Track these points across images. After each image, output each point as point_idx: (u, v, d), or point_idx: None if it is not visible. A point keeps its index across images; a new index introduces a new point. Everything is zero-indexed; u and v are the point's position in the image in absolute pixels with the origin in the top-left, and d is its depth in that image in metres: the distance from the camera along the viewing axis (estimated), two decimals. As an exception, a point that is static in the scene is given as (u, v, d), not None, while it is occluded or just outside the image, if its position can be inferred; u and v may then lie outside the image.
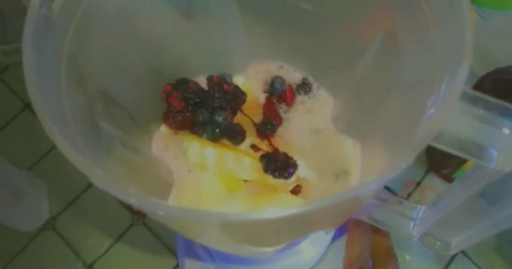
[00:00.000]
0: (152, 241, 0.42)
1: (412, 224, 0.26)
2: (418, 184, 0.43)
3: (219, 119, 0.28)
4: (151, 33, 0.27)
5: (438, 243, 0.25)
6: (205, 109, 0.29)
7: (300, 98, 0.31)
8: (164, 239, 0.42)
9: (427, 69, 0.20)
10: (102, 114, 0.23)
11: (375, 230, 0.33)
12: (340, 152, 0.29)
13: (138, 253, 0.42)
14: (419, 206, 0.26)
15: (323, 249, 0.35)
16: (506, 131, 0.17)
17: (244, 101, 0.30)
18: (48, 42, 0.19)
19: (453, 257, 0.39)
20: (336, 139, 0.30)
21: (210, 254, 0.34)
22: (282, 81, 0.31)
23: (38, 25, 0.18)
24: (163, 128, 0.30)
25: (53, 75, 0.20)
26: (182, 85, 0.29)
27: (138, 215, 0.43)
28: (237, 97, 0.30)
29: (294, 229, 0.20)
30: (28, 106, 0.48)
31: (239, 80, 0.32)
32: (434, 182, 0.42)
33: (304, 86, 0.31)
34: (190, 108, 0.29)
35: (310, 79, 0.32)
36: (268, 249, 0.26)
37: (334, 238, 0.35)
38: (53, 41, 0.20)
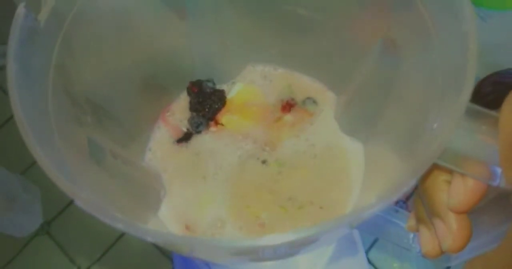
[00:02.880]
0: (148, 246, 0.41)
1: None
2: (416, 187, 0.42)
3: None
4: (144, 37, 0.26)
5: (438, 256, 0.24)
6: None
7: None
8: (160, 245, 0.42)
9: (429, 80, 0.19)
10: (91, 125, 0.22)
11: None
12: (343, 152, 0.29)
13: (135, 258, 0.41)
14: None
15: (329, 253, 0.34)
16: (510, 147, 0.16)
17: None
18: (34, 53, 0.19)
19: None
20: (339, 139, 0.29)
21: (208, 264, 0.33)
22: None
23: (23, 36, 0.18)
24: (156, 136, 0.29)
25: (39, 87, 0.19)
26: None
27: (133, 220, 0.42)
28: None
29: (293, 249, 0.19)
30: (21, 108, 0.47)
31: (237, 87, 0.31)
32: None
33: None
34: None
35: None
36: (268, 262, 0.25)
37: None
38: (40, 52, 0.19)
